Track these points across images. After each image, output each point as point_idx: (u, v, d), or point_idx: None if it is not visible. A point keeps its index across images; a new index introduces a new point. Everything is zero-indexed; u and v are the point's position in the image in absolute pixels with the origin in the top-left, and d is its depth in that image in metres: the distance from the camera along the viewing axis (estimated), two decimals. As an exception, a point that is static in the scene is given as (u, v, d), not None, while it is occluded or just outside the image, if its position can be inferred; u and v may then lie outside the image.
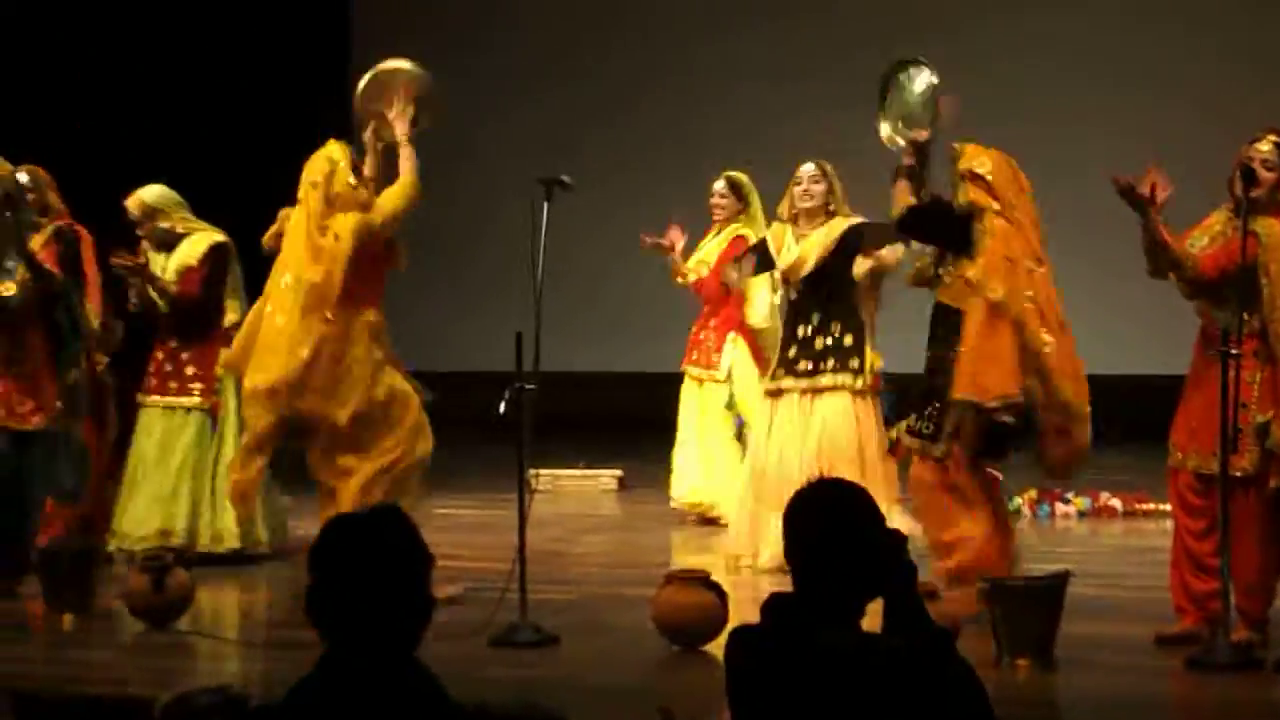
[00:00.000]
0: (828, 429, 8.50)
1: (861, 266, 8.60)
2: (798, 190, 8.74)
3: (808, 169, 8.75)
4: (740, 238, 9.92)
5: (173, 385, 8.95)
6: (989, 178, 7.27)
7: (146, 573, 7.36)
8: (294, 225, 7.87)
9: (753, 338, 9.95)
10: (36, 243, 8.07)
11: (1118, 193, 6.72)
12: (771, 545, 8.43)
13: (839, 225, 8.64)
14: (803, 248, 8.66)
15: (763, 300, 9.85)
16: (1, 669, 6.15)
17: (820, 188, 8.71)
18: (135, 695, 5.87)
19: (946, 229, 7.42)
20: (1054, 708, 6.22)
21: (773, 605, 4.09)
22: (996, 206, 7.26)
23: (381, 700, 3.62)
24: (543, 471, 11.13)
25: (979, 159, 7.32)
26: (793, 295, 8.74)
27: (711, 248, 10.19)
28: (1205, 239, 6.87)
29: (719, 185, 10.25)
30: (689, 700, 5.88)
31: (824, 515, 4.06)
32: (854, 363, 8.58)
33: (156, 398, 8.97)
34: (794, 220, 8.76)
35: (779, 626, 4.06)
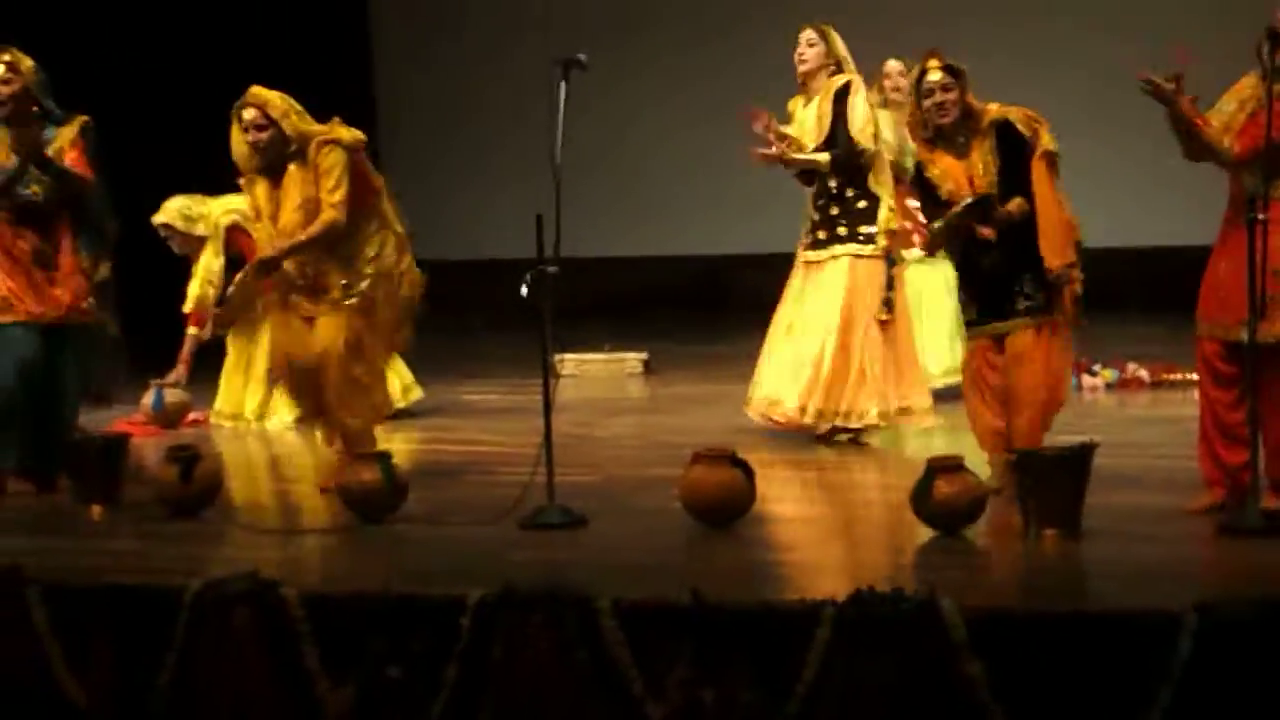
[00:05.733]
0: (831, 293, 8.62)
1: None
2: (796, 57, 8.72)
3: (805, 35, 8.71)
4: None
5: None
6: None
7: (175, 463, 7.38)
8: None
9: None
10: (66, 137, 8.03)
11: (1145, 91, 6.61)
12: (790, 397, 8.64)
13: (832, 85, 8.63)
14: (805, 116, 8.68)
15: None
16: (32, 560, 6.16)
17: (815, 50, 8.67)
18: (166, 584, 5.92)
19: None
20: (1083, 577, 6.21)
21: None
22: None
23: None
24: (568, 356, 11.14)
25: None
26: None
27: None
28: (1234, 104, 6.73)
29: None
30: (717, 579, 5.89)
31: None
32: (865, 229, 8.63)
33: None
34: (802, 86, 8.78)
35: None
